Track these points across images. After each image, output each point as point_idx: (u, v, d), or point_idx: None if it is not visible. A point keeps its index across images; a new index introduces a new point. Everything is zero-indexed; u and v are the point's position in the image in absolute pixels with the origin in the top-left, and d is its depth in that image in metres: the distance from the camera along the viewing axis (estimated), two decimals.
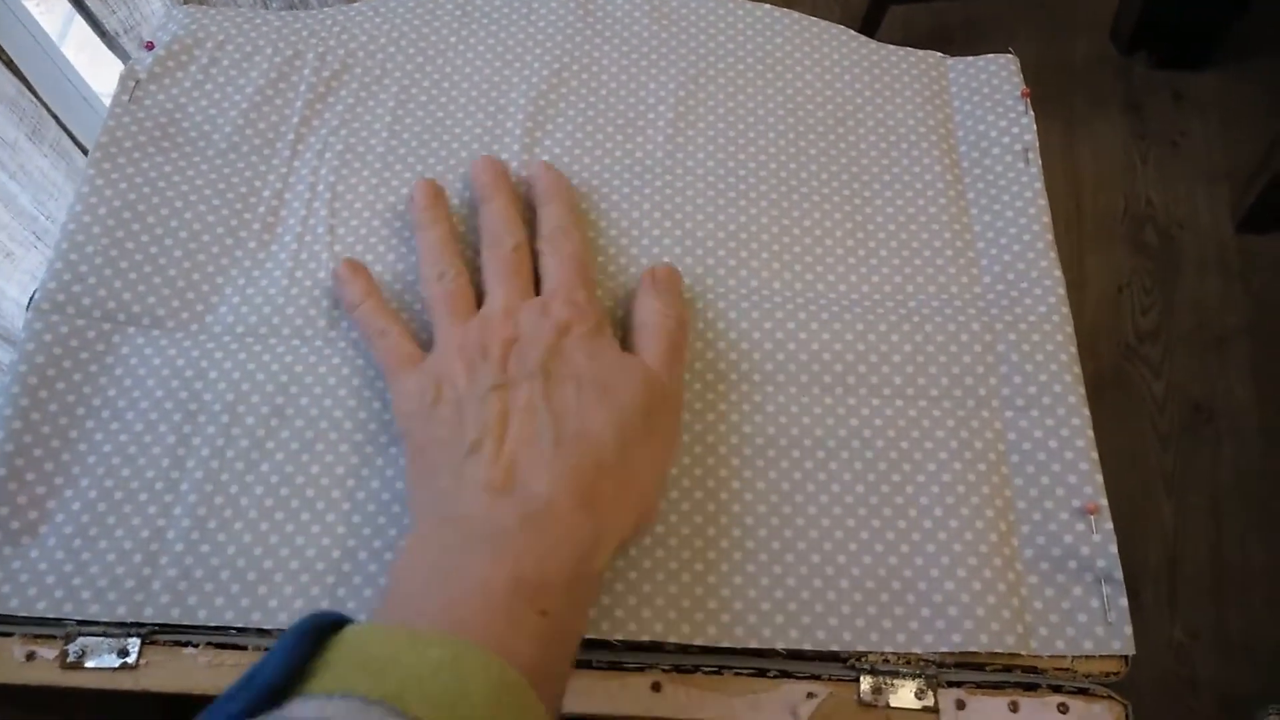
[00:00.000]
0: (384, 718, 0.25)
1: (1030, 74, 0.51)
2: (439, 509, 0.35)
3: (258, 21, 0.52)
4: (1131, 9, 1.50)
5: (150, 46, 0.51)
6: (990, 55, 0.52)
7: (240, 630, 0.38)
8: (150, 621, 0.37)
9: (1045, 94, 1.52)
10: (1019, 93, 0.50)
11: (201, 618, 0.38)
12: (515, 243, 0.43)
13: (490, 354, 0.38)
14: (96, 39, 1.02)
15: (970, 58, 0.52)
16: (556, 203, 0.44)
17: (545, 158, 0.48)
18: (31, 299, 0.43)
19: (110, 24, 1.01)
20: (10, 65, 0.89)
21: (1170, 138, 1.50)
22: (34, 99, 0.91)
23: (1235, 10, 1.46)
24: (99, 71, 1.10)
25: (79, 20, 1.01)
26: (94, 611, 0.37)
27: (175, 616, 0.38)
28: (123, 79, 0.49)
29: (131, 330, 0.43)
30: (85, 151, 0.99)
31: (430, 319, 0.41)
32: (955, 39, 1.55)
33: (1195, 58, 1.53)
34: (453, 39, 0.52)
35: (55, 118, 0.94)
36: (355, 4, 0.53)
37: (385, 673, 0.27)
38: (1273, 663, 1.14)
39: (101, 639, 0.37)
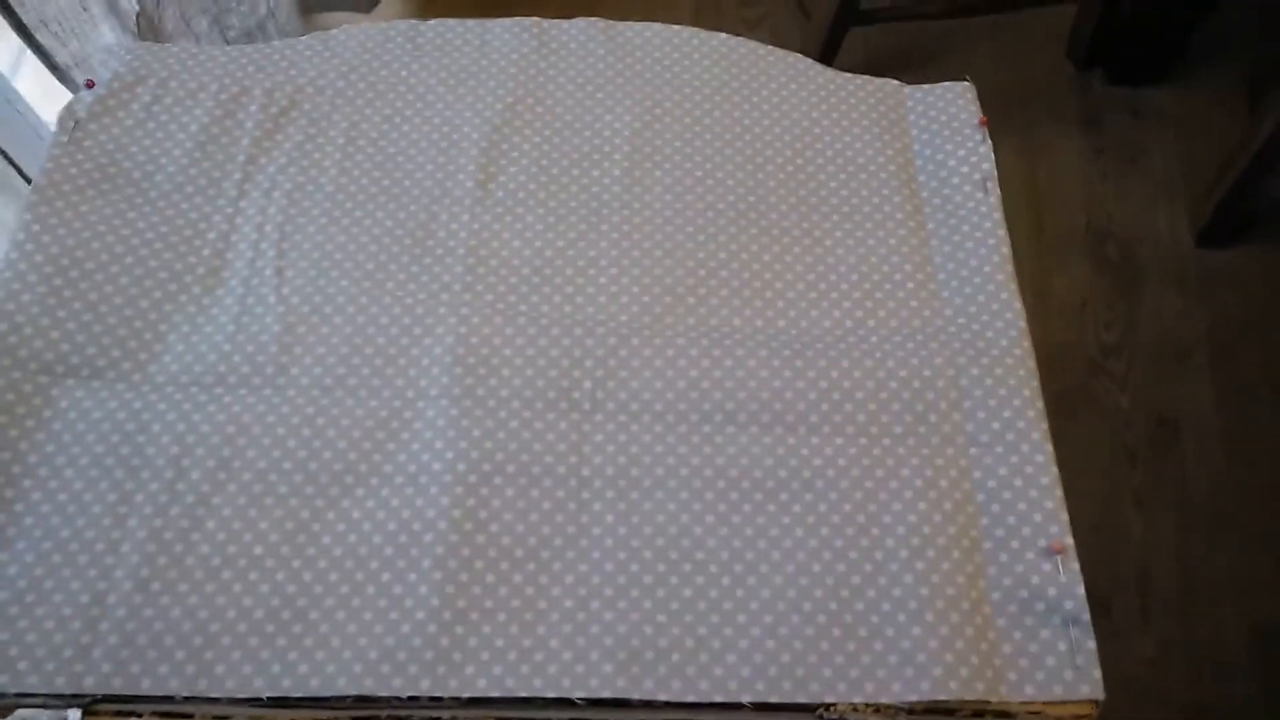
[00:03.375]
0: None
1: (989, 92, 0.51)
2: None
3: (202, 58, 0.51)
4: (1087, 26, 1.51)
5: (91, 85, 0.49)
6: (947, 83, 0.52)
7: (186, 698, 0.36)
8: (90, 693, 0.36)
9: (1005, 112, 1.52)
10: (976, 121, 0.50)
11: (145, 687, 0.36)
12: None
13: None
14: (48, 73, 1.00)
15: (928, 85, 0.52)
16: None
17: (500, 194, 0.47)
18: None
19: (62, 57, 0.98)
20: None
21: (1129, 153, 1.51)
22: None
23: (1190, 26, 1.48)
24: (52, 106, 1.07)
25: (29, 55, 0.98)
26: (31, 684, 0.36)
27: (117, 686, 0.36)
28: (61, 119, 0.48)
29: (70, 383, 0.42)
30: None
31: None
32: (915, 59, 1.56)
33: (1151, 73, 1.54)
34: (404, 72, 0.51)
35: (3, 153, 0.91)
36: (303, 38, 0.52)
37: None
38: (1243, 674, 1.14)
39: (41, 711, 0.36)
